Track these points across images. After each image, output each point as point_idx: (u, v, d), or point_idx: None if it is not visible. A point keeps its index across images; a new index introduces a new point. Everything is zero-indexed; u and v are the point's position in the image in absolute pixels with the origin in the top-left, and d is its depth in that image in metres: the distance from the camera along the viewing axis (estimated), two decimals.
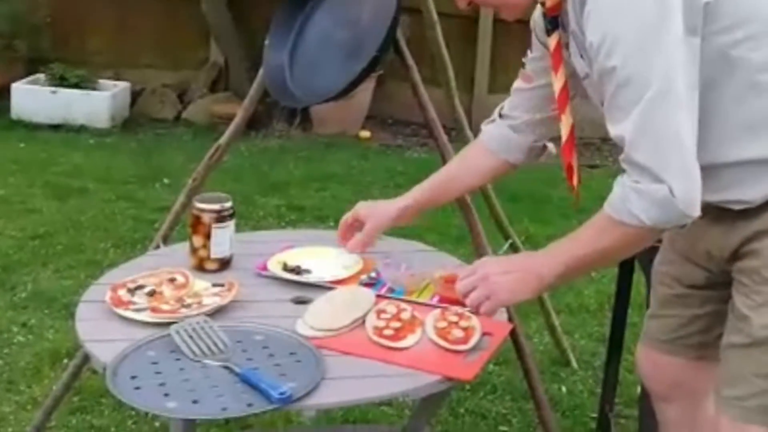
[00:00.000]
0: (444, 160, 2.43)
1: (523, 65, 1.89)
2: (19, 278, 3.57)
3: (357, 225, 2.05)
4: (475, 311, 1.71)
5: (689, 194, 1.48)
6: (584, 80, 1.63)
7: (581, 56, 1.59)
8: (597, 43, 1.47)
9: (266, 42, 2.39)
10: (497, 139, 1.95)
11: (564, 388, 2.95)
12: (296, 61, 2.37)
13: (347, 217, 2.05)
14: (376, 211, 2.03)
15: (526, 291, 1.67)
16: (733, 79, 1.51)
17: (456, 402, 2.81)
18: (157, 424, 2.64)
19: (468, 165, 2.03)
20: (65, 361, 2.88)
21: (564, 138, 1.69)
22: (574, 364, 3.08)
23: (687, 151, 1.47)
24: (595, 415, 2.76)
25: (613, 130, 1.52)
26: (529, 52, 1.86)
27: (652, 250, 1.96)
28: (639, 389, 2.27)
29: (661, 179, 1.47)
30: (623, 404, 2.78)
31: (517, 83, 1.92)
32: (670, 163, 1.47)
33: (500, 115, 1.96)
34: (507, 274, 1.67)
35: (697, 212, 1.49)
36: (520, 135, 1.93)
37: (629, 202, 1.51)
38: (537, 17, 1.78)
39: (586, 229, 1.61)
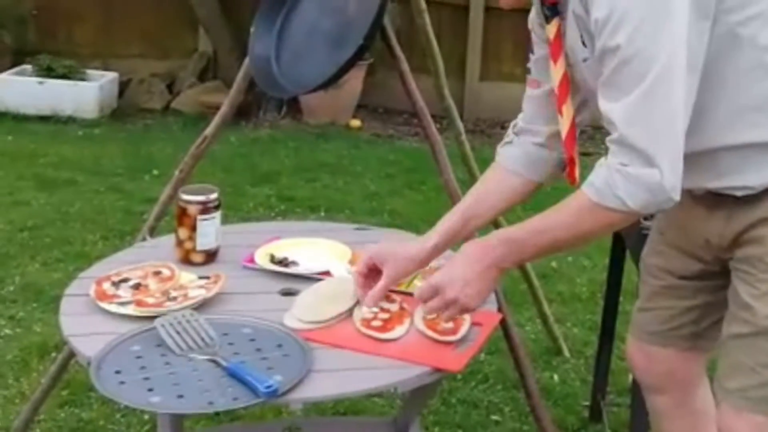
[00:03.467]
0: (433, 150, 2.41)
1: (528, 71, 1.77)
2: (7, 271, 3.55)
3: (374, 273, 1.74)
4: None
5: (676, 178, 1.44)
6: (583, 63, 1.57)
7: (582, 42, 1.54)
8: (603, 20, 1.42)
9: (251, 31, 2.36)
10: (519, 158, 1.79)
11: (556, 377, 2.94)
12: (282, 50, 2.34)
13: (360, 269, 1.75)
14: (394, 254, 1.73)
15: (491, 288, 1.64)
16: (739, 59, 1.47)
17: (448, 392, 2.80)
18: (146, 417, 2.62)
19: (490, 190, 1.82)
20: (53, 354, 2.86)
21: (565, 130, 1.64)
22: (566, 352, 3.07)
23: (679, 135, 1.44)
24: (587, 403, 2.76)
25: (606, 108, 1.47)
26: (531, 55, 1.75)
27: (644, 239, 1.94)
28: (631, 378, 2.26)
29: (654, 163, 1.43)
30: (615, 392, 2.78)
31: (527, 91, 1.78)
32: (664, 146, 1.43)
33: (516, 133, 1.81)
34: (469, 284, 1.59)
35: (678, 196, 1.46)
36: (550, 151, 1.77)
37: (615, 186, 1.46)
38: (533, 15, 1.71)
39: (559, 213, 1.55)
